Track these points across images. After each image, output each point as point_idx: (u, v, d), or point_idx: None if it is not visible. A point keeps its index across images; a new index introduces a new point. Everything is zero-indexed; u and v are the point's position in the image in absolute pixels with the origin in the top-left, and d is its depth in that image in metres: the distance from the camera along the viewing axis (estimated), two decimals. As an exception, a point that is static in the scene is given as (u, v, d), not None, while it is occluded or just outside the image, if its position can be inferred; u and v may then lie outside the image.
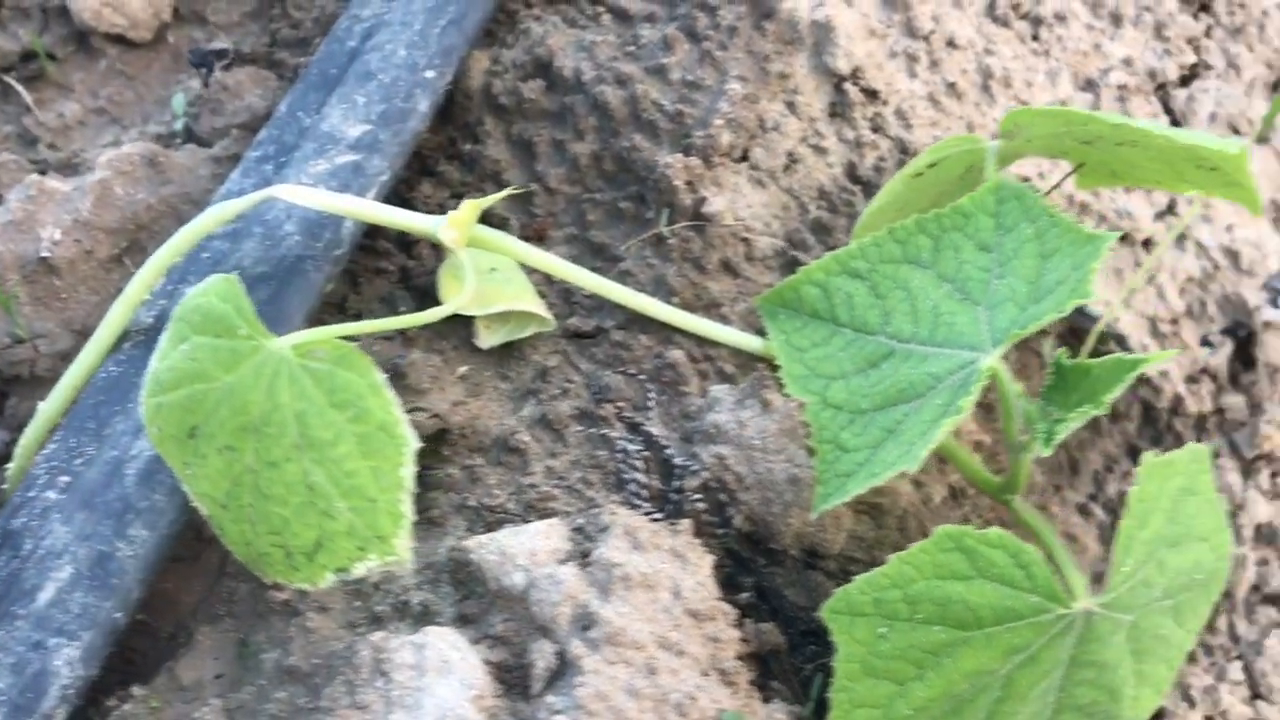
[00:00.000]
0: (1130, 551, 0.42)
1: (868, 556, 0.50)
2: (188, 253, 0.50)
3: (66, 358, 0.58)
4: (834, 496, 0.44)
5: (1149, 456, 0.42)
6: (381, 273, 0.56)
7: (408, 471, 0.40)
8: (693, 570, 0.43)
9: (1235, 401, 0.70)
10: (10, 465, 0.52)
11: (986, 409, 0.59)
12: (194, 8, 0.72)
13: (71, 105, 0.70)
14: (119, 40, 0.71)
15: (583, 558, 0.43)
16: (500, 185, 0.59)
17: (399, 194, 0.58)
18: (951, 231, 0.48)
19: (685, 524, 0.45)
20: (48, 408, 0.51)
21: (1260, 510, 0.69)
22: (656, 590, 0.41)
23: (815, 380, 0.48)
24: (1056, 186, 0.64)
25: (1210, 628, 0.67)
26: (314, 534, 0.41)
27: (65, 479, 0.46)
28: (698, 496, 0.47)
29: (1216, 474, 0.69)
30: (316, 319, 0.52)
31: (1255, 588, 0.68)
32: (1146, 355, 0.42)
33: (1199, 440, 0.70)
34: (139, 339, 0.50)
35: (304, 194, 0.48)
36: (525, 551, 0.42)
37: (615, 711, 0.38)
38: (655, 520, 0.45)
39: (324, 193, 0.49)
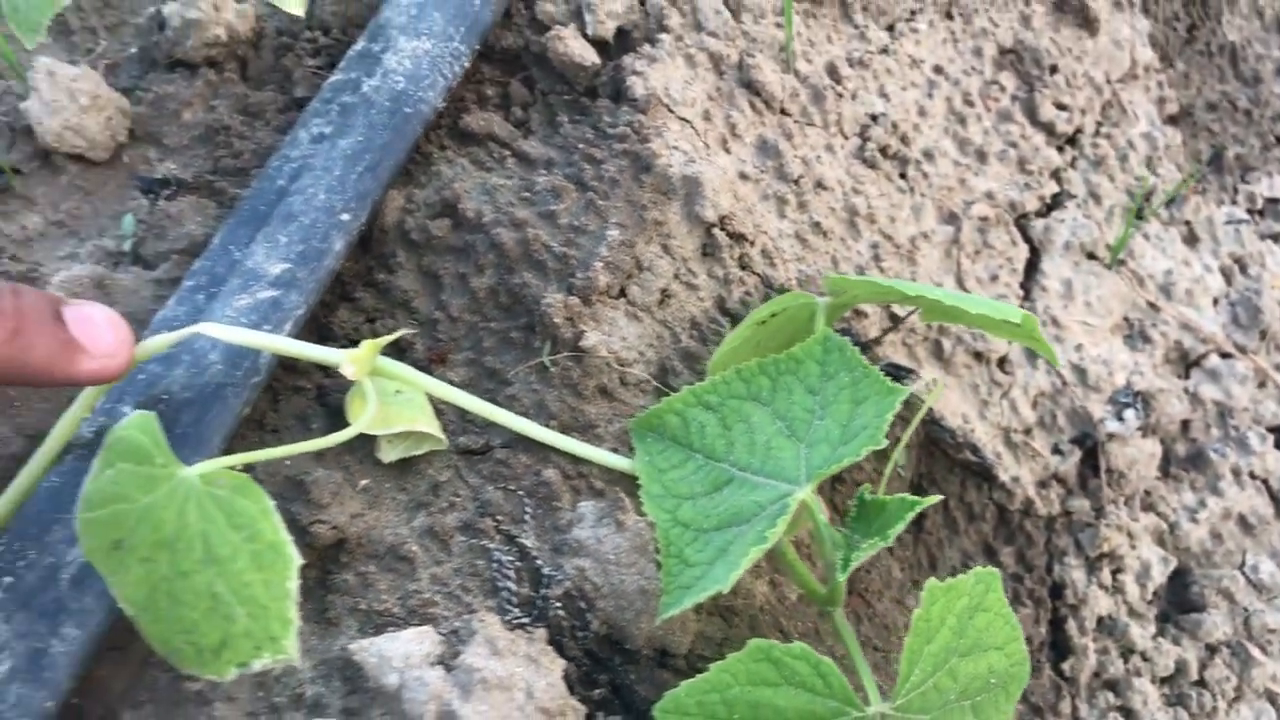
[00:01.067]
0: (915, 664, 0.49)
1: (716, 654, 0.56)
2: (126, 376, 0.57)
3: (19, 459, 0.64)
4: (674, 606, 0.51)
5: (932, 582, 0.50)
6: (300, 390, 0.63)
7: (293, 584, 0.47)
8: (544, 673, 0.50)
9: (1081, 505, 0.78)
10: (-40, 561, 0.59)
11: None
12: (148, 129, 0.80)
13: (34, 218, 0.77)
14: (78, 159, 0.79)
15: (450, 661, 0.50)
16: (409, 312, 0.66)
17: (318, 319, 0.65)
18: (786, 375, 0.56)
19: (540, 632, 0.52)
20: (-3, 512, 0.57)
21: (1101, 604, 0.76)
22: (511, 691, 0.48)
23: (669, 499, 0.55)
24: (901, 319, 0.72)
25: (1054, 710, 0.74)
26: (219, 634, 0.48)
27: (9, 579, 0.53)
28: (560, 604, 0.54)
29: (1063, 571, 0.77)
30: (237, 437, 0.59)
31: (1095, 674, 0.75)
32: (925, 499, 0.49)
33: (1049, 540, 0.78)
34: (80, 452, 0.57)
35: (225, 331, 0.55)
36: (400, 655, 0.49)
37: (465, 798, 0.45)
38: (520, 625, 0.52)
39: (242, 330, 0.55)
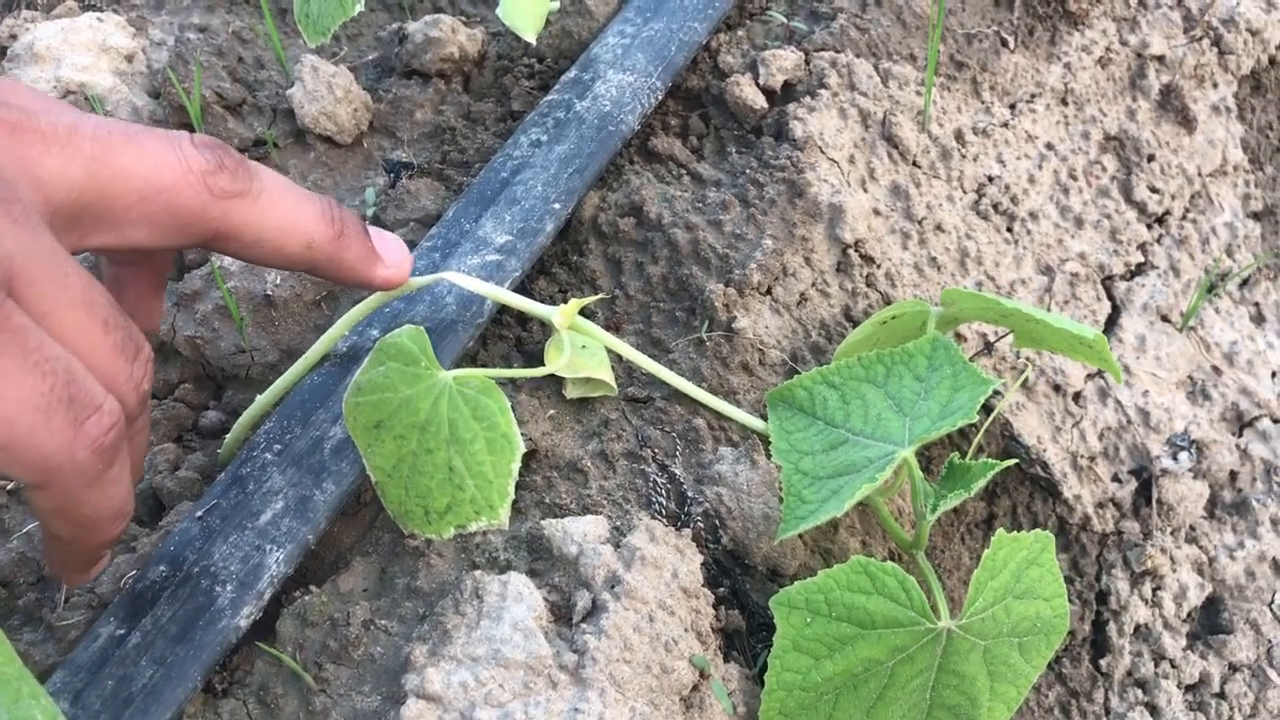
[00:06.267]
0: (980, 594, 0.62)
1: (814, 583, 0.70)
2: (376, 308, 0.73)
3: (273, 367, 0.81)
4: (792, 529, 0.65)
5: (1000, 532, 0.63)
6: (503, 338, 0.79)
7: (515, 466, 0.62)
8: (688, 561, 0.64)
9: (1132, 527, 0.90)
10: (228, 436, 0.75)
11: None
12: (386, 124, 0.97)
13: (286, 184, 0.95)
14: (327, 140, 0.96)
15: (616, 543, 0.64)
16: (594, 288, 0.81)
17: (524, 286, 0.81)
18: (899, 364, 0.69)
19: (687, 532, 0.66)
20: (264, 399, 0.73)
21: (1140, 614, 0.88)
22: (662, 570, 0.63)
23: (793, 454, 0.69)
24: (1000, 340, 0.85)
25: (1088, 697, 0.86)
26: (447, 500, 0.64)
27: (279, 447, 0.69)
28: (700, 519, 0.68)
29: (1109, 581, 0.89)
30: (461, 365, 0.75)
31: (1129, 673, 0.87)
32: (1002, 463, 0.62)
33: (1100, 553, 0.90)
34: (335, 361, 0.73)
35: (464, 280, 0.70)
36: (580, 532, 0.64)
37: (624, 638, 0.59)
38: (668, 527, 0.66)
39: (477, 280, 0.71)
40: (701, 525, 0.68)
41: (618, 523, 0.67)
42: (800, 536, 0.71)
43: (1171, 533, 0.91)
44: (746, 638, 0.67)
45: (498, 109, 0.95)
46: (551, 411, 0.74)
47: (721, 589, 0.67)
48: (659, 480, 0.70)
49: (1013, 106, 0.98)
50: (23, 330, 0.43)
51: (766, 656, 0.66)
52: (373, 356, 0.66)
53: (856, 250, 0.81)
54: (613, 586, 0.61)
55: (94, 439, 0.46)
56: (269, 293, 0.80)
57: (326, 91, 0.95)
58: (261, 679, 0.62)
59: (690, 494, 0.69)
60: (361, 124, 0.96)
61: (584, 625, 0.60)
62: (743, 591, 0.68)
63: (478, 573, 0.62)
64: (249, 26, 1.06)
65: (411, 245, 0.83)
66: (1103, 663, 0.86)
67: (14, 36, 1.05)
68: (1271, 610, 0.91)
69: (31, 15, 1.08)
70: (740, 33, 0.94)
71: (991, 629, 0.64)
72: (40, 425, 0.44)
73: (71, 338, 0.46)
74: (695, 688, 0.62)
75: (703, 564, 0.67)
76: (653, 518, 0.68)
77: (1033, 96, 1.00)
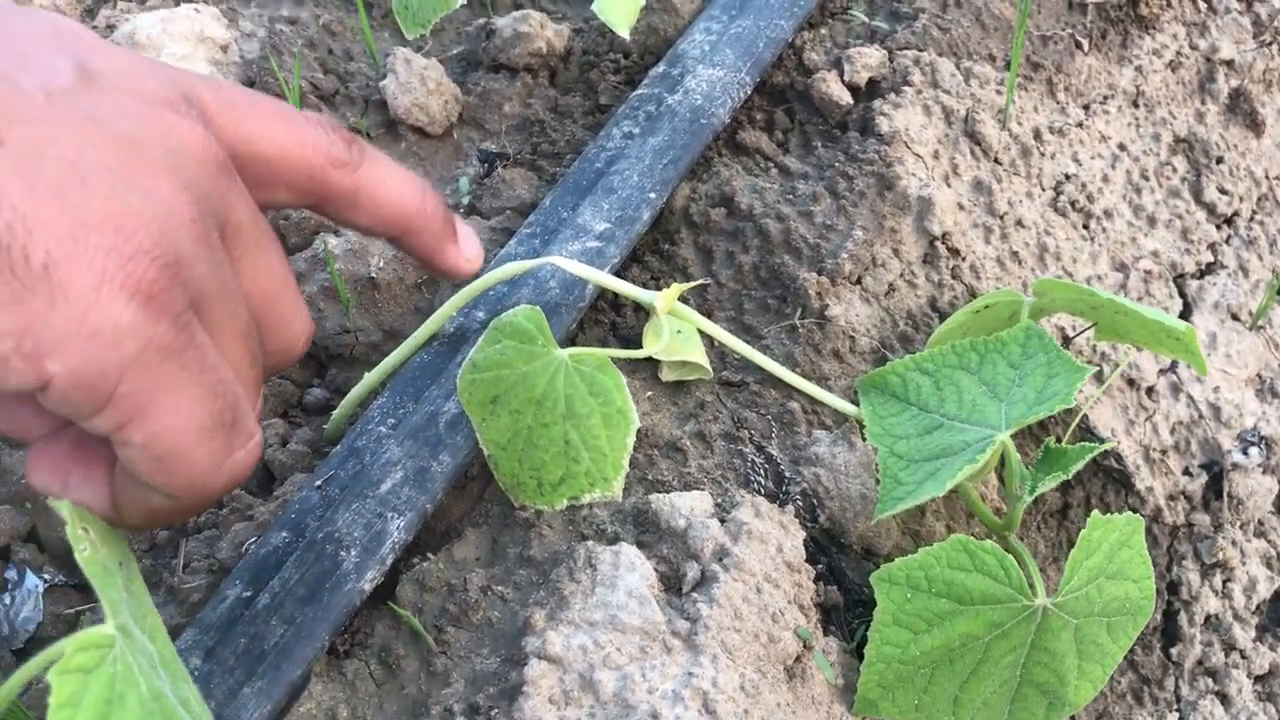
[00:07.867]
0: (1075, 572, 0.64)
1: (905, 562, 0.72)
2: (483, 290, 0.76)
3: (376, 347, 0.84)
4: (887, 510, 0.67)
5: (1096, 513, 0.65)
6: (599, 323, 0.81)
7: (630, 440, 0.65)
8: (791, 537, 0.66)
9: (1202, 520, 0.91)
10: (335, 412, 0.78)
11: (1002, 482, 0.81)
12: (475, 116, 1.00)
13: (379, 173, 0.98)
14: (418, 131, 0.99)
15: (722, 518, 0.67)
16: (686, 276, 0.84)
17: (618, 273, 0.83)
18: (993, 352, 0.72)
19: (790, 509, 0.68)
20: (373, 377, 0.76)
21: (1210, 604, 0.89)
22: (767, 544, 0.65)
23: (887, 437, 0.72)
24: (1079, 334, 0.87)
25: (1160, 684, 0.88)
26: (561, 472, 0.66)
27: (393, 421, 0.72)
28: (798, 498, 0.71)
29: (1180, 572, 0.91)
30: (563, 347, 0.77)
31: (1199, 663, 0.89)
32: (1101, 445, 0.64)
33: (1171, 545, 0.92)
34: (443, 341, 0.76)
35: (569, 264, 0.73)
36: (687, 507, 0.66)
37: (734, 607, 0.62)
38: (771, 504, 0.69)
39: (582, 265, 0.73)
40: (800, 504, 0.70)
41: (719, 499, 0.69)
42: (893, 518, 0.73)
43: (1241, 526, 0.92)
44: (843, 613, 0.69)
45: (585, 102, 0.97)
46: (649, 393, 0.76)
47: (819, 566, 0.70)
48: (756, 460, 0.72)
49: (1087, 107, 1.00)
50: (204, 349, 0.44)
51: (863, 631, 0.69)
52: (488, 335, 0.68)
53: (943, 243, 0.83)
54: (721, 559, 0.64)
55: (240, 466, 0.48)
56: (373, 275, 0.83)
57: (419, 84, 0.98)
58: (382, 641, 0.65)
59: (788, 474, 0.72)
60: (451, 116, 0.99)
61: (695, 595, 0.63)
62: (839, 569, 0.70)
63: (589, 543, 0.65)
64: (338, 19, 1.09)
65: (509, 232, 0.86)
66: (1174, 651, 0.88)
67: (111, 27, 1.08)
68: (1338, 604, 0.92)
69: (127, 6, 1.11)
70: (823, 31, 0.97)
71: (1084, 608, 0.66)
72: (201, 444, 0.45)
73: (232, 365, 0.47)
74: (798, 658, 0.64)
75: (804, 538, 0.69)
76: (753, 495, 0.70)
77: (1105, 98, 1.02)
